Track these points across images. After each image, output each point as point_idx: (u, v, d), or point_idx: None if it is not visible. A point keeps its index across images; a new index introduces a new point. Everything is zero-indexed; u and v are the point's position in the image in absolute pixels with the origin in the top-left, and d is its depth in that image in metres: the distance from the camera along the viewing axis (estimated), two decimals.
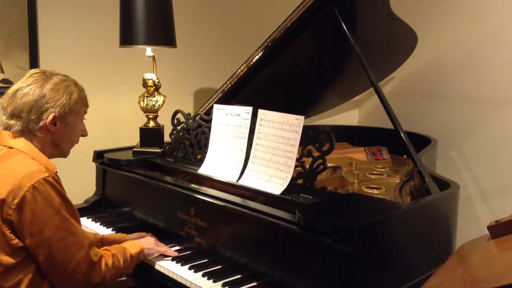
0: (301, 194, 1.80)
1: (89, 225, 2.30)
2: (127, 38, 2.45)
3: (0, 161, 1.59)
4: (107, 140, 2.92)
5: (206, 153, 2.18)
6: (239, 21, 3.57)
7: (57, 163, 1.69)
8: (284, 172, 1.86)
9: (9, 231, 1.51)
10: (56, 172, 1.64)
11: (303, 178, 1.82)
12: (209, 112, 2.29)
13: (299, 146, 1.84)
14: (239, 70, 2.45)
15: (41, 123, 1.61)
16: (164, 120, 2.57)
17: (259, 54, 2.36)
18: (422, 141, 2.72)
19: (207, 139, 2.20)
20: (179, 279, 1.77)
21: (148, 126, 2.53)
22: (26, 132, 1.62)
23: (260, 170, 1.94)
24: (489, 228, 1.20)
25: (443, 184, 1.96)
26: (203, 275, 1.77)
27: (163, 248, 1.92)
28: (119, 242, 1.90)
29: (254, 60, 2.38)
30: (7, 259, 1.51)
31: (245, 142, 2.04)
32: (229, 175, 2.04)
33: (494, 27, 2.92)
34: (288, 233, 1.61)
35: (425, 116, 3.33)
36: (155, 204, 2.20)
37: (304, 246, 1.58)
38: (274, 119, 1.94)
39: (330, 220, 1.55)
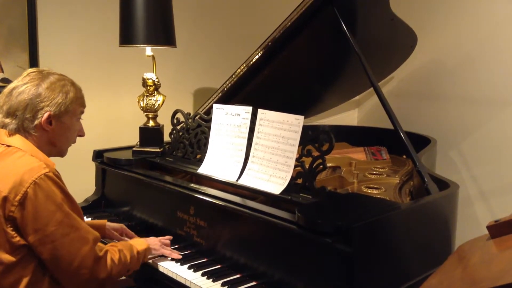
0: (301, 194, 1.80)
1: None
2: (127, 37, 2.45)
3: None
4: (106, 140, 2.92)
5: (205, 152, 2.18)
6: (239, 20, 3.57)
7: (57, 163, 1.69)
8: (283, 172, 1.86)
9: (11, 228, 1.51)
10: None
11: (303, 177, 1.82)
12: (208, 111, 2.29)
13: (299, 145, 1.84)
14: (239, 70, 2.45)
15: (36, 122, 1.61)
16: (164, 119, 2.57)
17: (259, 54, 2.36)
18: (421, 141, 2.73)
19: (206, 138, 2.20)
20: (178, 279, 1.77)
21: (148, 125, 2.53)
22: (21, 131, 1.62)
23: (260, 170, 1.94)
24: (488, 228, 1.19)
25: (442, 184, 1.96)
26: (203, 275, 1.77)
27: (167, 250, 1.91)
28: (98, 227, 1.91)
29: (254, 60, 2.38)
30: (7, 257, 1.51)
31: (244, 141, 2.04)
32: (228, 175, 2.04)
33: (494, 27, 2.92)
34: (288, 232, 1.61)
35: (424, 116, 3.33)
36: (154, 203, 2.20)
37: (303, 245, 1.58)
38: (273, 119, 1.94)
39: (329, 220, 1.55)
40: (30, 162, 1.55)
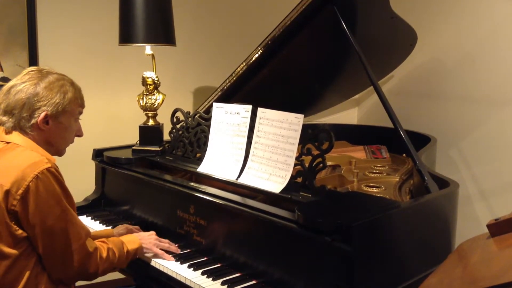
0: (301, 193, 1.80)
1: (88, 223, 2.30)
2: (126, 36, 2.45)
3: (0, 155, 1.59)
4: (106, 139, 2.92)
5: (205, 151, 2.18)
6: (239, 19, 3.57)
7: (57, 162, 1.68)
8: (283, 171, 1.85)
9: (13, 222, 1.52)
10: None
11: (303, 176, 1.82)
12: (208, 110, 2.29)
13: (299, 144, 1.84)
14: (239, 69, 2.45)
15: (33, 121, 1.61)
16: (164, 118, 2.56)
17: (259, 53, 2.36)
18: (421, 140, 2.72)
19: (206, 137, 2.20)
20: (178, 277, 1.77)
21: (148, 124, 2.53)
22: (18, 129, 1.62)
23: (260, 169, 1.94)
24: (488, 226, 1.19)
25: (442, 182, 1.96)
26: (203, 273, 1.76)
27: (160, 251, 1.90)
28: (107, 236, 1.90)
29: (253, 59, 2.38)
30: (10, 250, 1.52)
31: (244, 140, 2.03)
32: (228, 174, 2.04)
33: (494, 27, 2.92)
34: (287, 231, 1.61)
35: (424, 115, 3.33)
36: (154, 202, 2.20)
37: (303, 244, 1.58)
38: (273, 118, 1.94)
39: (329, 218, 1.54)
40: (32, 156, 1.56)
